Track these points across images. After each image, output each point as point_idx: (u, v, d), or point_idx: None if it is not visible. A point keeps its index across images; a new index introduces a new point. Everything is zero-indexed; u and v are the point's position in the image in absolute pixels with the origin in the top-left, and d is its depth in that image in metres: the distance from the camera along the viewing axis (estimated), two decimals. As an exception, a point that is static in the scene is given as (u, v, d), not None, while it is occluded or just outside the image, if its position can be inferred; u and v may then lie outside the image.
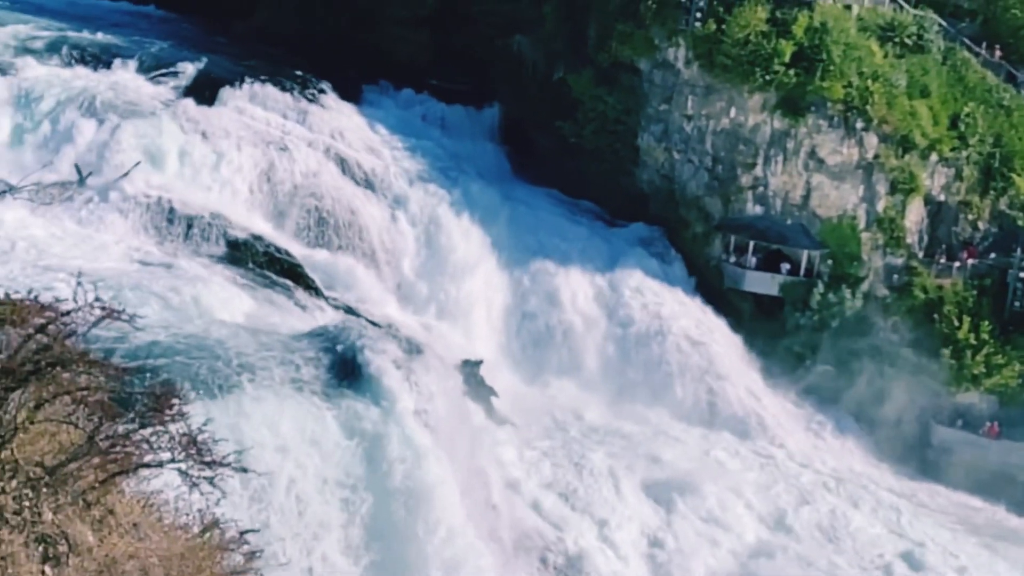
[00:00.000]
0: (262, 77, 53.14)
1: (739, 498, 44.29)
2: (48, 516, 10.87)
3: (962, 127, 55.91)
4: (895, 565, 43.27)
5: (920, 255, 55.69)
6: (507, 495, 38.88)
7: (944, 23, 57.54)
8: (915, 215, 55.68)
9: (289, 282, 44.04)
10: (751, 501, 44.47)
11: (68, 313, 11.92)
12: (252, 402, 31.47)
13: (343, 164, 51.17)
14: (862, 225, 54.97)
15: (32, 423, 11.50)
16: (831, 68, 53.69)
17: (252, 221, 46.93)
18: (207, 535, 14.06)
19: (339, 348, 35.00)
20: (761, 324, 54.13)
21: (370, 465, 32.76)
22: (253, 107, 51.59)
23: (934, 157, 55.69)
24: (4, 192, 13.61)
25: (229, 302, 39.57)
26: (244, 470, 13.01)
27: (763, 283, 54.90)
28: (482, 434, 40.38)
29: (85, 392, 11.93)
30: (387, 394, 33.71)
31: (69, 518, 11.17)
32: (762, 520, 43.87)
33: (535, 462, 42.41)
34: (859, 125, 54.47)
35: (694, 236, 56.17)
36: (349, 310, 44.28)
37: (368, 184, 51.26)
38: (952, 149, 55.71)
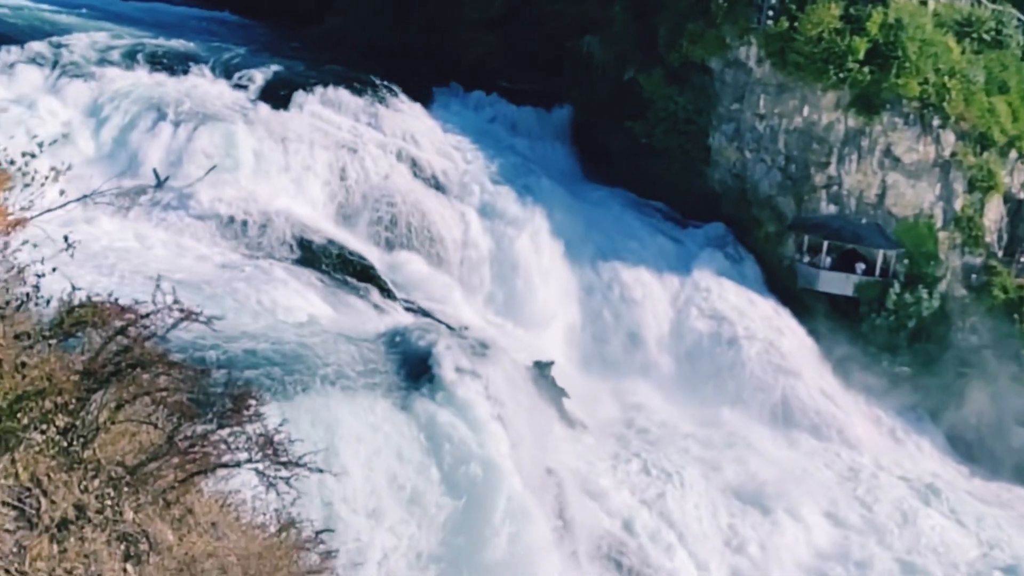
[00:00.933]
0: (334, 81, 53.68)
1: (821, 504, 43.74)
2: (129, 515, 11.05)
3: (1042, 123, 54.87)
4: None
5: (999, 254, 54.68)
6: (579, 499, 38.73)
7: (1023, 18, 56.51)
8: (994, 213, 54.68)
9: (363, 284, 44.41)
10: (833, 507, 43.90)
11: (148, 315, 12.12)
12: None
13: (415, 166, 51.48)
14: (939, 224, 54.11)
15: (113, 423, 11.71)
16: (907, 65, 52.90)
17: (325, 224, 47.39)
18: (284, 534, 14.21)
19: (412, 352, 35.04)
20: (836, 325, 53.47)
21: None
22: (326, 111, 52.11)
23: (1013, 154, 54.68)
24: (84, 197, 13.93)
25: (305, 304, 39.97)
26: (320, 471, 13.13)
27: (837, 283, 54.24)
28: (554, 437, 40.29)
29: (164, 393, 12.12)
30: (463, 406, 33.44)
31: (149, 517, 11.35)
32: (842, 526, 43.27)
33: (607, 465, 42.24)
34: (936, 123, 53.63)
35: (767, 236, 55.67)
36: (423, 312, 44.52)
37: (439, 186, 51.51)
38: (1032, 146, 54.70)
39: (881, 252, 54.21)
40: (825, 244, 54.30)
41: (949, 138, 53.79)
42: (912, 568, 41.83)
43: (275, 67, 54.15)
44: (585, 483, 40.37)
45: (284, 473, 12.72)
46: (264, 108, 50.42)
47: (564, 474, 38.42)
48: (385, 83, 55.27)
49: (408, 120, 54.05)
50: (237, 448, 12.43)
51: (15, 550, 9.69)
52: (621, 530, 39.42)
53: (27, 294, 12.19)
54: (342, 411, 31.72)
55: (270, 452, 12.61)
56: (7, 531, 9.73)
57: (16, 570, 9.58)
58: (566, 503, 37.19)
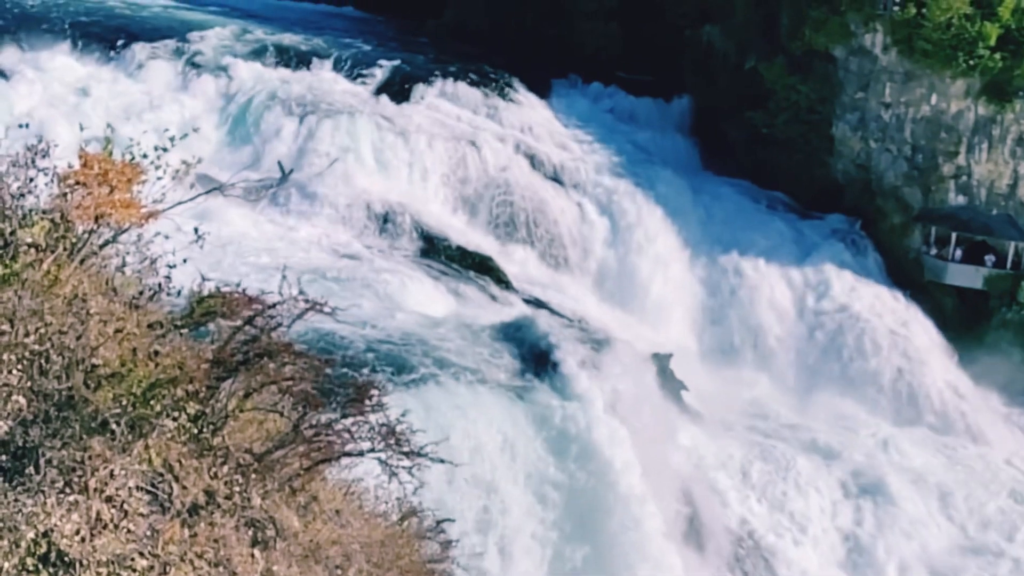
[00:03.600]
0: (453, 74, 54.09)
1: (942, 499, 42.72)
2: (257, 501, 11.26)
3: None
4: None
5: None
6: (699, 491, 38.43)
7: None
8: None
9: (482, 275, 44.68)
10: (954, 502, 42.84)
11: (274, 306, 12.33)
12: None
13: (533, 159, 51.56)
14: (1075, 215, 52.35)
15: (241, 411, 11.95)
16: (1041, 50, 51.25)
17: (445, 216, 47.80)
18: (405, 523, 14.37)
19: (532, 343, 35.15)
20: (964, 318, 52.07)
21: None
22: (445, 103, 52.58)
23: None
24: (214, 189, 14.27)
25: (423, 294, 40.37)
26: (442, 461, 13.23)
27: (966, 276, 52.77)
28: (673, 428, 40.01)
29: (290, 382, 12.32)
30: (582, 397, 33.45)
31: (276, 503, 11.56)
32: (966, 523, 42.21)
33: (727, 457, 41.82)
34: (1071, 110, 51.89)
35: (891, 227, 54.44)
36: (541, 303, 44.59)
37: (557, 179, 51.52)
38: None
39: (1013, 244, 52.58)
40: (953, 236, 52.88)
41: (1086, 126, 51.96)
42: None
43: (395, 61, 54.84)
44: (705, 476, 40.03)
45: (406, 463, 12.84)
46: (385, 101, 51.09)
47: (683, 467, 38.16)
48: (503, 75, 55.49)
49: (526, 112, 54.19)
50: (360, 437, 12.58)
51: (148, 533, 9.97)
52: (740, 523, 39.00)
53: (159, 284, 12.51)
54: (462, 401, 31.94)
55: (392, 442, 12.73)
56: (141, 515, 10.02)
57: (149, 553, 9.85)
58: (686, 496, 36.94)
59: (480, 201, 49.30)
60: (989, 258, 52.73)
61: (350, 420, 12.58)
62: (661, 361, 42.91)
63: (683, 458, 38.92)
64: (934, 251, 53.53)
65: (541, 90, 56.12)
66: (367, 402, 12.82)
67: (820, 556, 39.46)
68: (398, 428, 12.91)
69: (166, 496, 10.41)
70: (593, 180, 51.85)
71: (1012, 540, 41.73)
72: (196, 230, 13.58)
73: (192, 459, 10.91)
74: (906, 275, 53.33)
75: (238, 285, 12.86)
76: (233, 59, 52.32)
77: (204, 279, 12.73)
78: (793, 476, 41.50)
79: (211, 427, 11.36)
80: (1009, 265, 52.57)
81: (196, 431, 11.16)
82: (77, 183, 11.45)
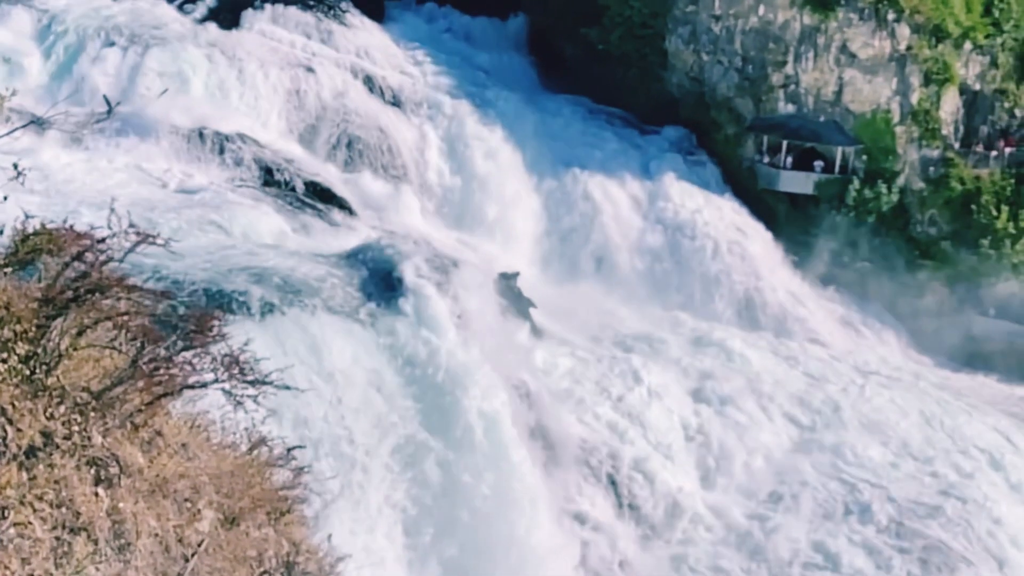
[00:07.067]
0: (284, -2, 52.79)
1: (780, 396, 44.34)
2: (97, 439, 11.03)
3: (996, 13, 54.80)
4: (940, 458, 43.12)
5: (956, 146, 54.95)
6: (550, 405, 39.09)
7: (975, -95, 56.07)
8: (950, 106, 54.84)
9: (324, 204, 44.15)
10: (791, 400, 44.52)
11: (104, 240, 11.98)
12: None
13: (370, 83, 50.91)
14: (896, 119, 54.24)
15: (75, 349, 11.63)
16: (861, -41, 52.64)
17: (282, 143, 46.94)
18: (255, 452, 14.26)
19: (378, 268, 35.08)
20: (797, 223, 53.81)
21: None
22: (276, 29, 51.36)
23: (968, 45, 54.66)
24: (32, 122, 13.72)
25: (265, 225, 39.71)
26: (287, 387, 13.14)
27: (798, 182, 54.46)
28: (523, 346, 40.50)
29: (126, 317, 12.02)
30: (431, 319, 33.62)
31: (118, 441, 11.34)
32: (803, 417, 43.91)
33: (576, 371, 42.57)
34: (890, 16, 53.48)
35: (726, 138, 55.67)
36: (385, 229, 44.34)
37: (396, 102, 51.03)
38: (986, 36, 54.68)
39: (840, 149, 54.37)
40: (784, 144, 54.39)
41: (904, 32, 53.68)
42: (858, 447, 42.24)
43: (221, -14, 53.13)
44: (554, 389, 40.69)
45: (251, 392, 12.69)
46: (213, 28, 49.60)
47: (534, 382, 38.69)
48: (335, -2, 54.44)
49: (361, 35, 53.36)
50: (203, 369, 12.39)
51: (-16, 479, 9.69)
52: (592, 434, 39.83)
53: (-22, 223, 12.01)
54: (309, 329, 31.68)
55: (236, 372, 12.57)
56: (-26, 460, 9.72)
57: (-14, 498, 9.58)
58: (536, 410, 37.52)
59: (318, 128, 48.55)
60: (818, 164, 54.46)
61: (191, 352, 12.36)
62: (508, 280, 43.29)
63: (533, 373, 39.44)
64: (767, 160, 55.00)
65: (375, 13, 55.29)
66: (208, 334, 12.60)
67: (670, 462, 40.58)
68: (241, 358, 12.74)
69: (0, 440, 10.11)
70: (432, 102, 51.53)
71: (840, 431, 43.53)
72: (15, 166, 13.03)
73: (26, 401, 10.59)
74: (741, 184, 54.72)
75: (65, 221, 12.43)
76: (49, -12, 50.02)
77: (28, 217, 12.26)
78: (641, 385, 42.46)
79: (44, 367, 11.03)
80: (837, 170, 54.40)
81: (28, 372, 10.82)
82: None
